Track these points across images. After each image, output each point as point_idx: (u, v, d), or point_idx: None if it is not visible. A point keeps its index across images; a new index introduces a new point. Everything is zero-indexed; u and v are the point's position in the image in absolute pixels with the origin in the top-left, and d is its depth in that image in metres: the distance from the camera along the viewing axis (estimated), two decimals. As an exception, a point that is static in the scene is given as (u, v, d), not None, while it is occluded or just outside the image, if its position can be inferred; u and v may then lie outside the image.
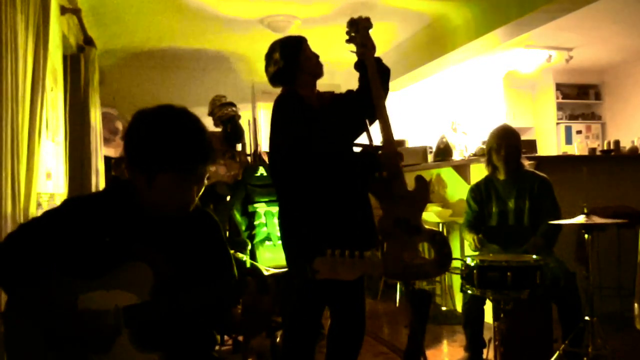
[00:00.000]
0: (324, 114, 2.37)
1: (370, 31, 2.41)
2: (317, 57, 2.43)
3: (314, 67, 2.41)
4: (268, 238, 3.99)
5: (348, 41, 2.42)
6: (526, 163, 3.19)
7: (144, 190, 1.44)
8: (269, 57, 2.43)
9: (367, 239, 2.31)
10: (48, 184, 3.06)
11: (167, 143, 1.40)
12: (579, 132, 7.64)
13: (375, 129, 2.40)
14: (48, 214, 1.49)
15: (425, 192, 2.39)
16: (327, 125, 2.31)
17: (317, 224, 2.23)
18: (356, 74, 2.51)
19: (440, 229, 4.38)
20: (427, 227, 2.30)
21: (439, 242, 2.25)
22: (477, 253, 3.05)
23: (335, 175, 2.24)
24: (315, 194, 2.24)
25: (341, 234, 2.19)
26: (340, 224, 2.23)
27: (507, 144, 3.07)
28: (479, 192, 3.20)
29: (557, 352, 2.77)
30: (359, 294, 2.38)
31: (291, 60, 2.36)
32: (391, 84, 2.56)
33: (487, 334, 2.98)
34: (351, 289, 2.29)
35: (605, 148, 5.30)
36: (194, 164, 1.42)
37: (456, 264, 4.06)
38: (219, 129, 4.34)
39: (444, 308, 4.49)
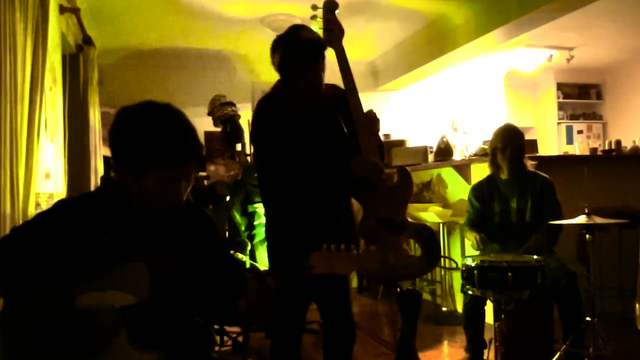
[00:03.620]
0: (303, 119, 2.12)
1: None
2: (320, 79, 2.08)
3: (306, 92, 2.11)
4: (268, 238, 3.98)
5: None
6: (529, 163, 3.19)
7: (133, 189, 1.42)
8: (272, 51, 2.13)
9: (349, 239, 2.25)
10: (47, 184, 3.05)
11: (149, 140, 1.36)
12: (580, 132, 7.63)
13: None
14: (40, 216, 1.47)
15: (408, 185, 2.21)
16: (303, 133, 2.09)
17: (301, 225, 2.14)
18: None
19: (441, 229, 4.37)
20: (413, 221, 2.18)
21: (426, 237, 2.11)
22: (478, 252, 3.05)
23: (308, 181, 2.09)
24: (294, 196, 2.14)
25: (324, 234, 2.12)
26: (322, 226, 2.11)
27: (512, 144, 3.07)
28: (481, 190, 3.20)
29: (558, 353, 2.76)
30: (342, 289, 2.27)
31: (286, 76, 2.11)
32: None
33: (488, 335, 2.97)
34: (333, 284, 2.19)
35: (606, 148, 5.29)
36: (177, 160, 1.39)
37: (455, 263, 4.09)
38: (218, 129, 4.33)
39: (444, 309, 4.48)
